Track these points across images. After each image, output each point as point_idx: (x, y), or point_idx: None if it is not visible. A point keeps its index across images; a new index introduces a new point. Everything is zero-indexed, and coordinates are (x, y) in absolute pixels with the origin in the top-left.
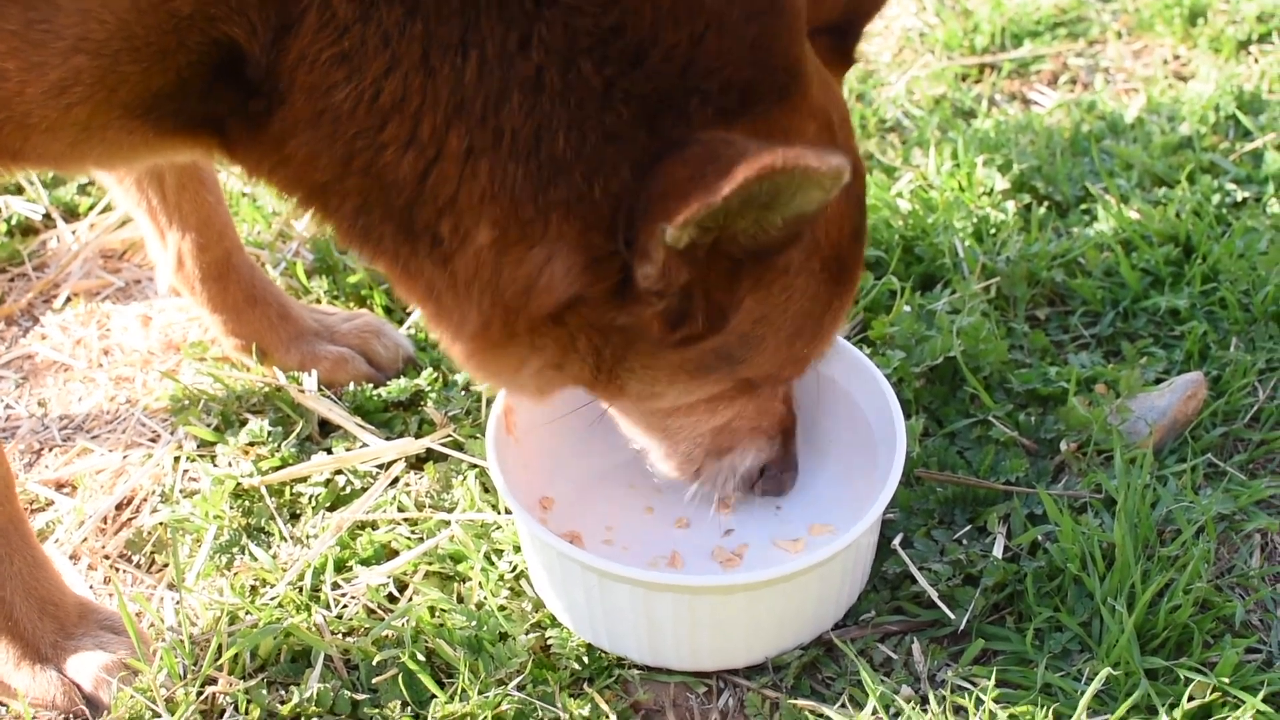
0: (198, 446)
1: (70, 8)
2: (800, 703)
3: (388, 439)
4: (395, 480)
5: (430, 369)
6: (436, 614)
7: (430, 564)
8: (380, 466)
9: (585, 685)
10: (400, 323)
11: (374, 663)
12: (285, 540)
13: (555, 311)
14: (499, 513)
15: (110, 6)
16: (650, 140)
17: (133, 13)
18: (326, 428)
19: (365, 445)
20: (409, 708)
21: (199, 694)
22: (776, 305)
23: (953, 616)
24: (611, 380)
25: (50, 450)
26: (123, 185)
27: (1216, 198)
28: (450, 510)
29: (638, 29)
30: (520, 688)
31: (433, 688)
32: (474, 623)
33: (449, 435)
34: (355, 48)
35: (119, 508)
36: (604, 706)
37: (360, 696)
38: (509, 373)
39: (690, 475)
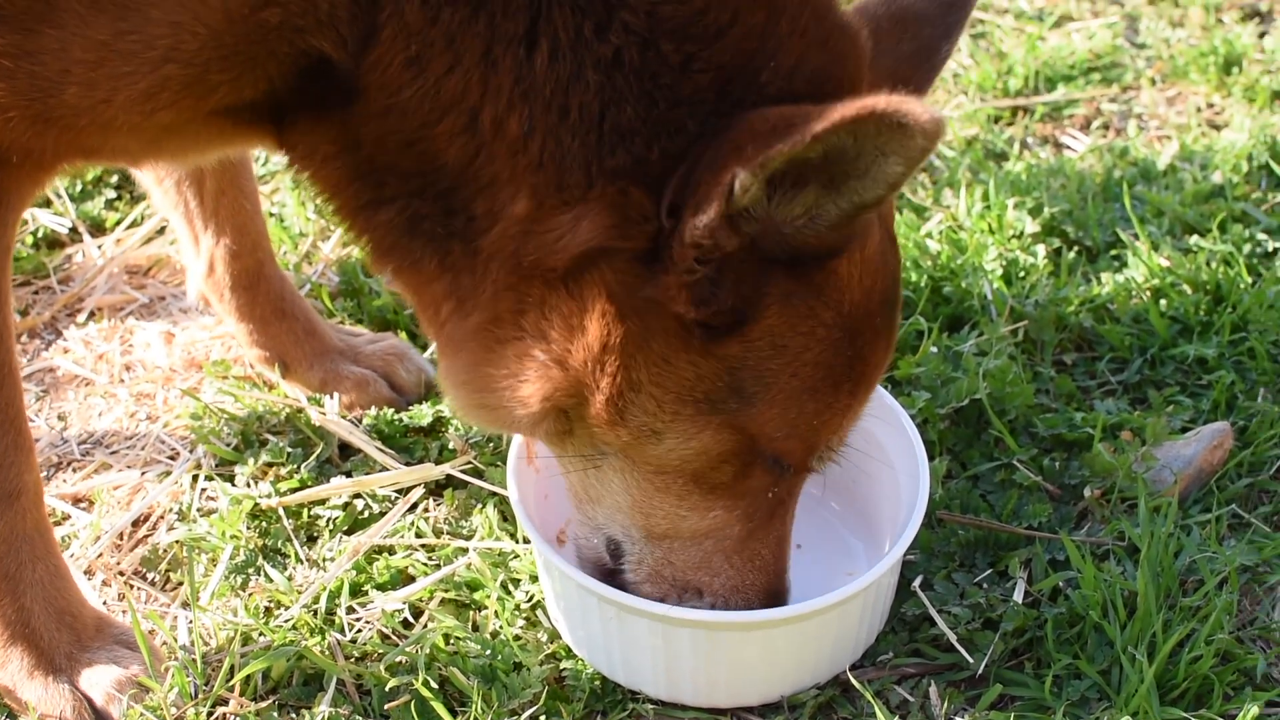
0: (216, 465)
1: (161, 19)
2: None
3: (408, 464)
4: (414, 506)
5: None
6: (451, 642)
7: (446, 591)
8: (399, 491)
9: (599, 718)
10: (424, 348)
11: (387, 689)
12: (301, 562)
13: (573, 264)
14: (517, 542)
15: (203, 19)
16: (719, 101)
17: (224, 24)
18: (346, 451)
19: (385, 470)
20: None
21: (210, 714)
22: (797, 336)
23: (971, 660)
24: (613, 395)
25: (69, 465)
26: (162, 187)
27: (1247, 247)
28: (468, 538)
29: (721, 10)
30: (533, 719)
31: (445, 716)
32: (489, 651)
33: (469, 462)
34: (423, 51)
35: (136, 524)
36: None
37: None
38: (500, 376)
39: (659, 595)
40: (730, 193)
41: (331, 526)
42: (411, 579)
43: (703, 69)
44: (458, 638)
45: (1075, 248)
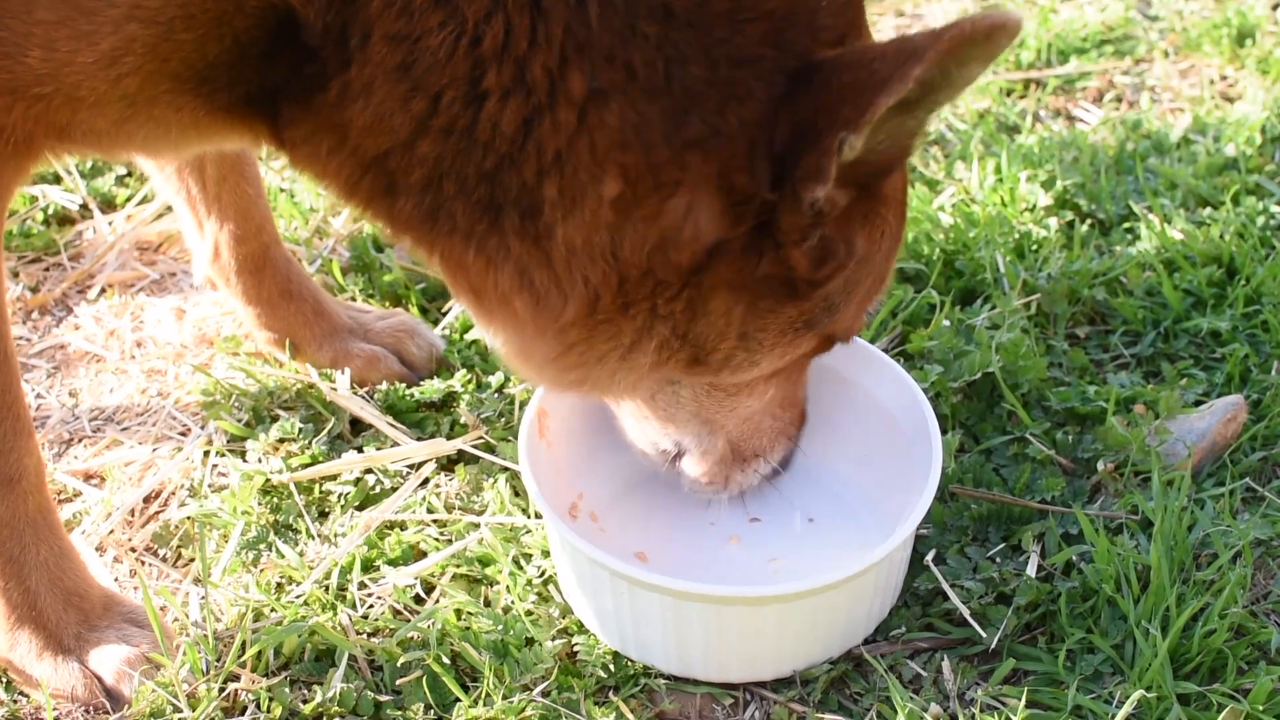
0: (228, 441)
1: None
2: (827, 717)
3: (419, 439)
4: (425, 481)
5: (463, 370)
6: (463, 617)
7: (458, 566)
8: (411, 467)
9: (611, 693)
10: (435, 323)
11: (398, 664)
12: (313, 538)
13: (695, 264)
14: (529, 517)
15: None
16: (780, 56)
17: None
18: (358, 426)
19: (396, 445)
20: (432, 711)
21: (221, 690)
22: (874, 245)
23: (984, 635)
24: (727, 352)
25: (80, 441)
26: (164, 173)
27: (1261, 219)
28: (480, 513)
29: None
30: (545, 694)
31: (457, 691)
32: (500, 627)
33: (481, 437)
34: None
35: (147, 500)
36: (629, 716)
37: (384, 698)
38: (611, 358)
39: (722, 477)
40: (840, 156)
41: (343, 502)
42: (423, 554)
43: (752, 16)
44: (469, 613)
45: (1088, 221)
